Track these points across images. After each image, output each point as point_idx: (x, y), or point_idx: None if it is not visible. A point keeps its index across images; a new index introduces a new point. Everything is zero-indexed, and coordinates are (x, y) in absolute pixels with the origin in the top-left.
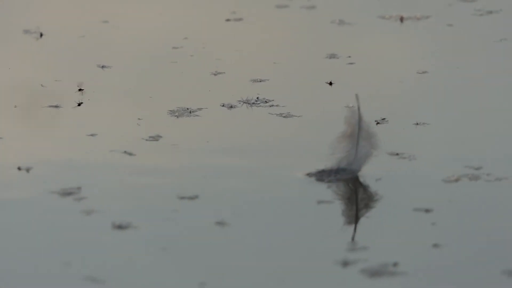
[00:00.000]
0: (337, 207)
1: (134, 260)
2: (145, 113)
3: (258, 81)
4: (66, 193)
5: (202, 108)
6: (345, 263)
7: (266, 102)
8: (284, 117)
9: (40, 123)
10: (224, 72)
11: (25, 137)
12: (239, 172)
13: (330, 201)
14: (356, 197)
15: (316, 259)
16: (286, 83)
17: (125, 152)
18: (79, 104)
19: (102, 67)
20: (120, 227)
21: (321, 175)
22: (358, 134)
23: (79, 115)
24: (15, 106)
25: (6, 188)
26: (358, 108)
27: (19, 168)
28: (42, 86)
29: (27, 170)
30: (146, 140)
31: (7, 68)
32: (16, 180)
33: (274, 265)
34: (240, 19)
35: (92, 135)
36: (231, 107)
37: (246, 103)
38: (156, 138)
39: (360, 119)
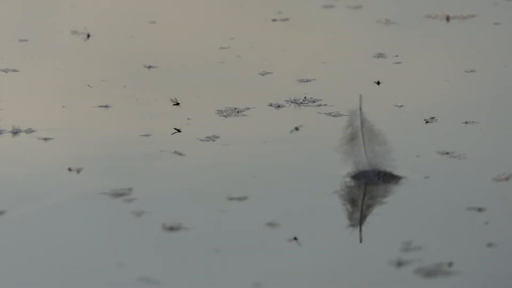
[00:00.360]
0: (389, 207)
1: (187, 261)
2: (193, 113)
3: (305, 80)
4: (117, 194)
5: (249, 108)
6: (399, 263)
7: (314, 101)
8: (333, 116)
9: (89, 123)
10: (272, 72)
11: (75, 138)
12: (289, 172)
13: (381, 201)
14: (363, 198)
15: (370, 259)
16: (334, 83)
17: (175, 152)
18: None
19: (149, 67)
20: (171, 228)
21: (358, 177)
22: (362, 136)
23: (128, 115)
24: (63, 106)
25: (57, 189)
26: (360, 109)
27: (69, 169)
28: (89, 86)
29: (78, 171)
30: (202, 140)
31: (54, 68)
32: (67, 181)
33: (327, 265)
34: (286, 19)
35: (146, 135)
36: (279, 106)
37: (293, 102)
38: (212, 138)
39: (362, 120)
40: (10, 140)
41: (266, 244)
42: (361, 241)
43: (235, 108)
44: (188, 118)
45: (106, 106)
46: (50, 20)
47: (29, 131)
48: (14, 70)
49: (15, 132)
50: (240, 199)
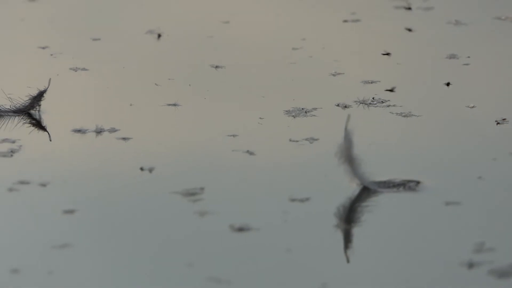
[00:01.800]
0: (463, 208)
1: (258, 261)
2: (261, 113)
3: (373, 82)
4: (188, 193)
5: (317, 108)
6: (471, 265)
7: (382, 102)
8: (404, 116)
9: (159, 122)
10: (343, 73)
11: (146, 137)
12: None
13: (456, 202)
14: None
15: (440, 262)
16: (403, 84)
17: (247, 151)
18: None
19: (216, 67)
20: (240, 229)
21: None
22: (349, 155)
23: (196, 114)
24: (131, 105)
25: (129, 189)
26: (346, 128)
27: (141, 169)
28: (156, 84)
29: (150, 170)
30: (271, 139)
31: (122, 67)
32: (138, 181)
33: (396, 268)
34: (357, 20)
35: (216, 134)
36: (346, 107)
37: (362, 103)
38: (280, 138)
39: (349, 140)
40: (93, 139)
41: (334, 246)
42: (348, 261)
43: (303, 109)
44: (260, 118)
45: (174, 105)
46: (127, 19)
47: (112, 130)
48: (84, 69)
49: (99, 132)
50: (301, 200)
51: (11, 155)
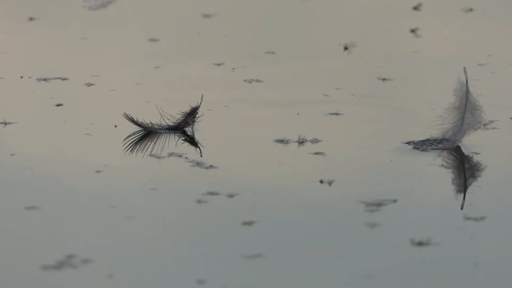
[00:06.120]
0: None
1: (445, 277)
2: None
3: None
4: (374, 204)
5: (493, 121)
6: None
7: None
8: None
9: (325, 131)
10: None
11: (320, 147)
12: None
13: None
14: (463, 166)
15: None
16: None
17: (441, 160)
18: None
19: (383, 79)
20: (420, 243)
21: (423, 144)
22: (465, 106)
23: (359, 121)
24: (298, 114)
25: (310, 201)
26: (466, 81)
27: (321, 181)
28: (325, 95)
29: (329, 183)
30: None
31: (292, 77)
32: (318, 193)
33: None
34: None
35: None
36: None
37: None
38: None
39: (467, 91)
40: (295, 149)
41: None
42: (462, 208)
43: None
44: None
45: (336, 114)
46: (319, 33)
47: (315, 141)
48: (258, 80)
49: (301, 142)
50: (476, 219)
51: (209, 167)
